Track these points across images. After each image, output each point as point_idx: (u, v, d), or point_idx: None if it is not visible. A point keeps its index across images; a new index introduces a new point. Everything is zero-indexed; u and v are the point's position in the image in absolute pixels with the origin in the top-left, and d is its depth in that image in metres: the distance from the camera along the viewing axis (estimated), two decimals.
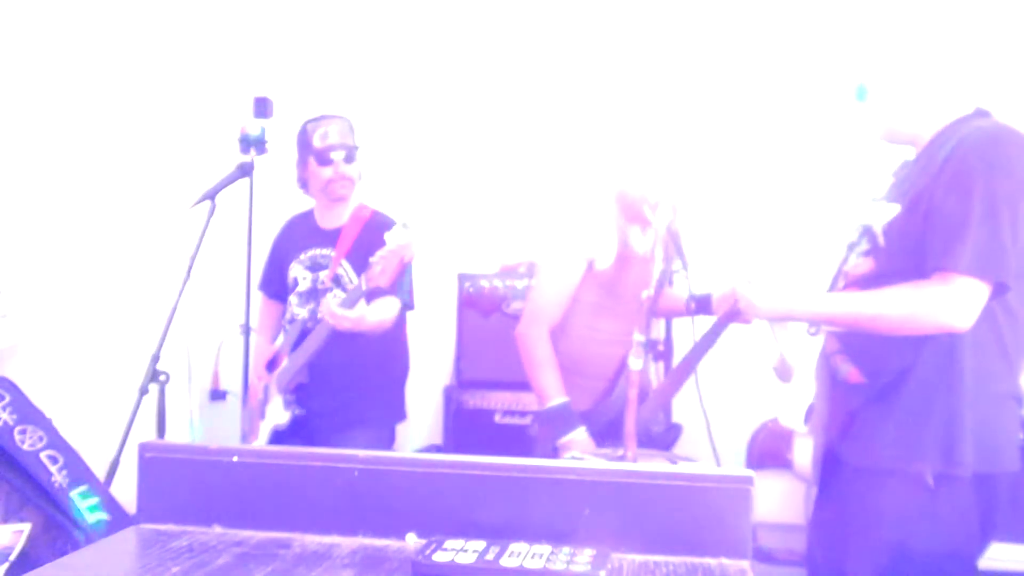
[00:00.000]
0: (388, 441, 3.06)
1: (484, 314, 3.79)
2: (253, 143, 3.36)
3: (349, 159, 3.00)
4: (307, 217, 3.15)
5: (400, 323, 3.01)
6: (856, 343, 1.98)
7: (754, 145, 3.83)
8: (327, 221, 3.07)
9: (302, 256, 3.06)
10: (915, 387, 1.87)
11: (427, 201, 3.88)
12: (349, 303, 2.68)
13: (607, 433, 2.50)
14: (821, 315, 2.00)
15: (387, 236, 2.59)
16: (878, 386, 1.93)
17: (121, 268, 3.85)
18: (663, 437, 2.68)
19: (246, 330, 3.43)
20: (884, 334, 1.88)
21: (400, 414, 3.11)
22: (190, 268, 2.95)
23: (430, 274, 3.24)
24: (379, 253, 2.59)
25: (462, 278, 3.83)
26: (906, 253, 1.86)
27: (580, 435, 2.53)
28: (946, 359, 1.84)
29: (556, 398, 2.58)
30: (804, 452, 2.15)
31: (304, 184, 3.08)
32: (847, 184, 3.66)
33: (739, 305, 2.07)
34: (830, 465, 2.06)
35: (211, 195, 3.02)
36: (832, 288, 2.09)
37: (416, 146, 4.11)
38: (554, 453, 2.52)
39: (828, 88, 3.69)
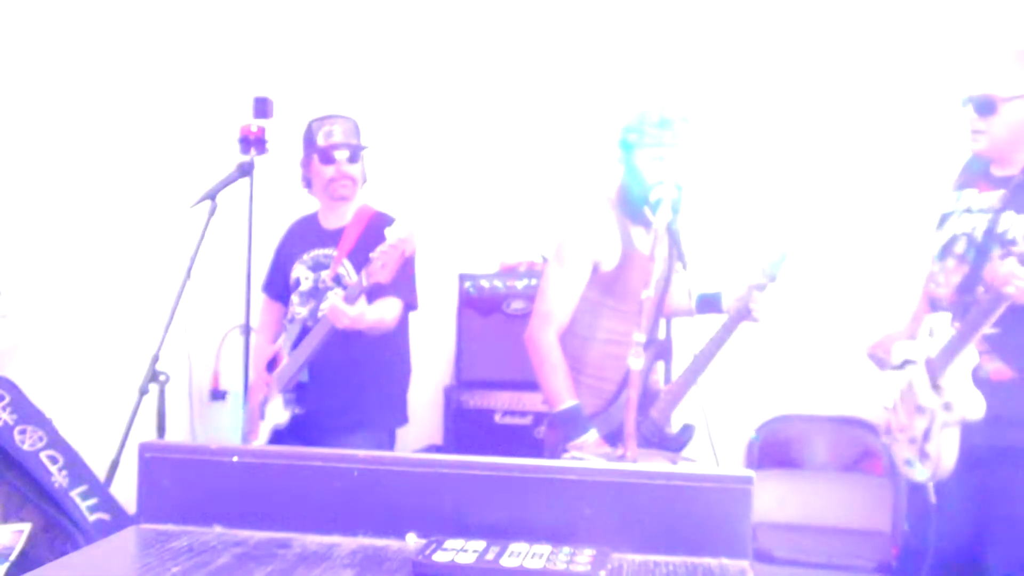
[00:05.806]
0: (388, 445, 3.06)
1: (484, 314, 3.78)
2: (253, 143, 3.36)
3: (353, 159, 3.00)
4: (311, 218, 3.16)
5: (403, 325, 3.00)
6: (1009, 342, 2.19)
7: (753, 144, 3.83)
8: (330, 221, 3.08)
9: (305, 256, 3.06)
10: None
11: (427, 201, 3.87)
12: (349, 300, 2.68)
13: (619, 435, 2.49)
14: None
15: (387, 231, 2.59)
16: None
17: (121, 268, 3.85)
18: (677, 438, 2.67)
19: (246, 330, 3.43)
20: None
21: (402, 418, 3.10)
22: (190, 268, 2.96)
23: (430, 274, 3.24)
24: (379, 248, 2.59)
25: (462, 278, 3.82)
26: None
27: (591, 438, 2.53)
28: None
29: (567, 401, 2.57)
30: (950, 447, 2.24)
31: (308, 183, 3.09)
32: (844, 184, 3.66)
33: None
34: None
35: (211, 195, 3.02)
36: (974, 287, 2.25)
37: (416, 146, 4.10)
38: (563, 456, 2.51)
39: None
